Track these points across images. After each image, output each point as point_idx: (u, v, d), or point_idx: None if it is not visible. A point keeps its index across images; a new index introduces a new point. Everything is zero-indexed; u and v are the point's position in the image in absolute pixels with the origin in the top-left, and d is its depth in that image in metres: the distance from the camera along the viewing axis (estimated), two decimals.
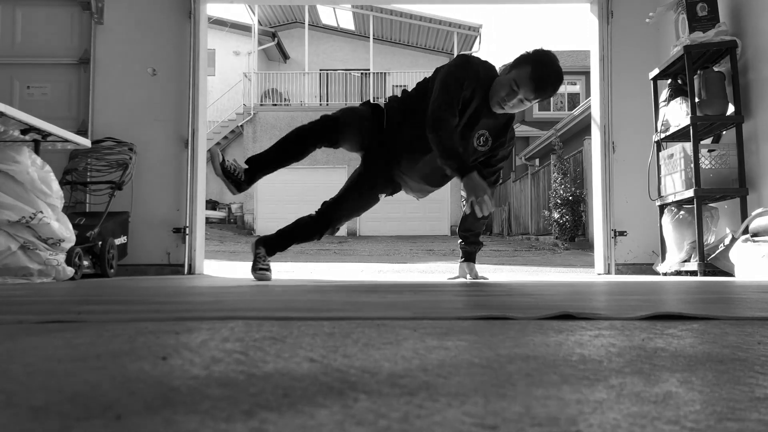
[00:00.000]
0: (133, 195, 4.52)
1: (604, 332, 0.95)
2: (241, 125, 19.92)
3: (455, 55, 3.32)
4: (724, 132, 4.10)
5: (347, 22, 22.22)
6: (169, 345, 0.81)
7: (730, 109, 3.91)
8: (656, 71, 4.37)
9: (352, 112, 3.31)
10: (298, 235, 3.45)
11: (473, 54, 3.48)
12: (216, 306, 1.58)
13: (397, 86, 20.64)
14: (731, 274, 3.57)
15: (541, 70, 3.06)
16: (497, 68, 3.33)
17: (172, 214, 4.78)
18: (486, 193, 2.91)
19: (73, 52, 4.89)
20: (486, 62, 3.26)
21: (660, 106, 4.39)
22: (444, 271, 5.30)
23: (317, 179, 19.36)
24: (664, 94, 4.36)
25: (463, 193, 3.42)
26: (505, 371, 0.63)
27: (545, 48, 3.21)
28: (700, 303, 1.61)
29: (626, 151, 4.72)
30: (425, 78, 3.35)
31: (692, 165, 3.84)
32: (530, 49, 3.23)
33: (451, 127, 3.06)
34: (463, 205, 3.64)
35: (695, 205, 3.83)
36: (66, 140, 3.79)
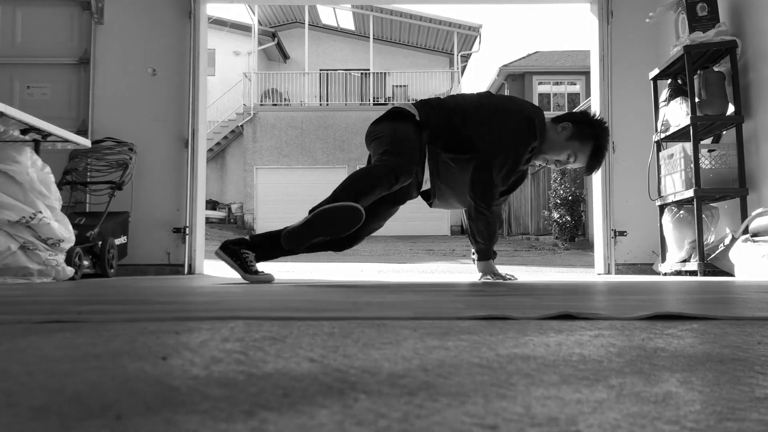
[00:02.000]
0: (133, 195, 4.52)
1: (604, 332, 0.95)
2: (241, 125, 19.93)
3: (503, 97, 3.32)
4: (724, 132, 4.10)
5: (347, 22, 22.23)
6: (169, 345, 0.81)
7: (730, 109, 3.91)
8: (656, 71, 4.37)
9: (409, 153, 2.95)
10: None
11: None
12: (216, 306, 1.58)
13: (397, 86, 20.64)
14: (731, 274, 3.57)
15: (602, 154, 3.16)
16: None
17: (172, 214, 4.78)
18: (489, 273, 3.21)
19: (73, 52, 4.89)
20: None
21: (660, 106, 4.39)
22: (444, 271, 5.30)
23: (317, 179, 19.36)
24: (664, 94, 4.36)
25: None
26: (505, 371, 0.63)
27: (604, 124, 3.23)
28: (700, 303, 1.61)
29: (626, 151, 4.73)
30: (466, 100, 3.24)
31: (692, 165, 3.84)
32: (593, 119, 3.20)
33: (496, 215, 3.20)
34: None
35: (695, 205, 3.83)
36: (66, 140, 3.79)
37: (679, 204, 4.13)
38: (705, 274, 3.72)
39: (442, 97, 3.37)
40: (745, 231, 3.54)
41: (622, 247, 4.71)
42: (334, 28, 22.96)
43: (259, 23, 21.24)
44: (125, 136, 4.65)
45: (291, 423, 0.43)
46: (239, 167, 20.59)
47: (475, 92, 3.40)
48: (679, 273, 4.08)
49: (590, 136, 3.13)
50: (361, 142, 17.61)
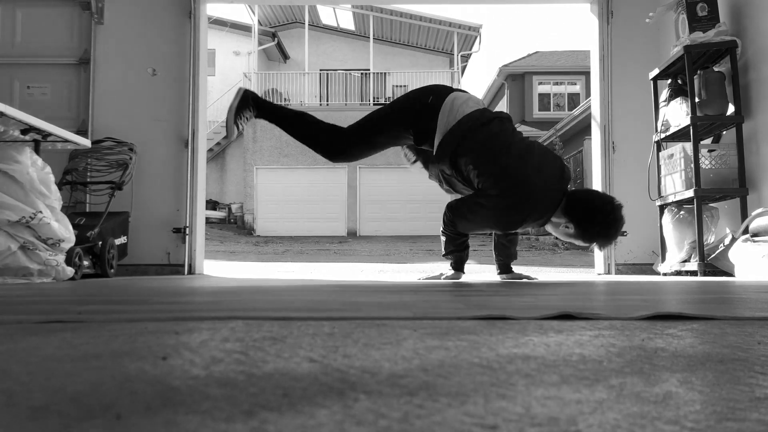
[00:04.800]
0: (133, 195, 4.52)
1: (604, 332, 0.95)
2: None
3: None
4: (724, 132, 4.10)
5: (347, 22, 22.23)
6: (169, 345, 0.81)
7: (730, 109, 3.91)
8: (656, 71, 4.37)
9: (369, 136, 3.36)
10: (297, 129, 3.37)
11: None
12: (216, 306, 1.58)
13: (397, 86, 20.64)
14: (731, 274, 3.57)
15: (609, 243, 3.05)
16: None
17: (172, 214, 4.78)
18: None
19: (73, 52, 4.89)
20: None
21: (660, 106, 4.39)
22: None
23: (317, 179, 19.36)
24: (664, 94, 4.36)
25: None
26: (505, 371, 0.63)
27: (611, 209, 2.92)
28: (700, 303, 1.61)
29: (626, 151, 4.73)
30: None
31: (692, 165, 3.84)
32: (596, 220, 2.92)
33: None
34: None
35: (695, 205, 3.83)
36: (66, 140, 3.79)
37: (679, 204, 4.13)
38: (705, 274, 3.72)
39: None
40: (745, 231, 3.54)
41: (622, 247, 4.71)
42: (334, 28, 22.96)
43: (259, 23, 21.24)
44: (125, 136, 4.65)
45: (291, 423, 0.43)
46: (239, 167, 20.59)
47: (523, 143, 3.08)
48: (679, 273, 4.08)
49: (593, 236, 2.95)
50: None
